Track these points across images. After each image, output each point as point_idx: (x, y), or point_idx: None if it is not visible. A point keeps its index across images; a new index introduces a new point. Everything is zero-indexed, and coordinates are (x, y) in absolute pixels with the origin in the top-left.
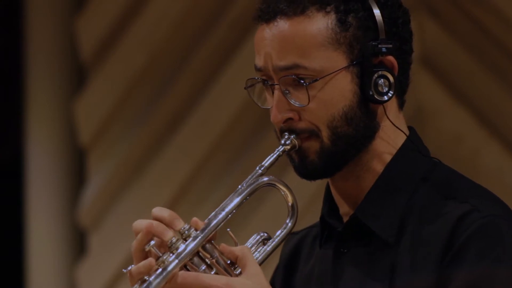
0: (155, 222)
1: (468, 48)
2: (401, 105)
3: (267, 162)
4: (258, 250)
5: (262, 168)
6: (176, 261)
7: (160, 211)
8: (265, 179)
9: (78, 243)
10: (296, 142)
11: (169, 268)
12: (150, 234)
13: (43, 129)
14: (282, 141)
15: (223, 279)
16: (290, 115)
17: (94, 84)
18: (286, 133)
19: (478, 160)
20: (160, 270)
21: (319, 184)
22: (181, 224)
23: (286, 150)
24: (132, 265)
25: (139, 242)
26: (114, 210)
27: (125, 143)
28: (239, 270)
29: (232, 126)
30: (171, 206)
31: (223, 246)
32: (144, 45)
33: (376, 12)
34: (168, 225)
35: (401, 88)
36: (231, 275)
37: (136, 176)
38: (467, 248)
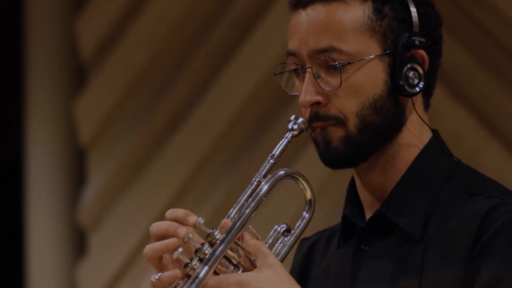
0: (169, 223)
1: (468, 48)
2: (426, 107)
3: (277, 150)
4: (280, 241)
5: (273, 158)
6: (207, 267)
7: (173, 212)
8: (283, 172)
9: (78, 243)
10: (303, 126)
11: (201, 275)
12: (177, 247)
13: (43, 129)
14: (289, 126)
15: (232, 278)
16: (319, 98)
17: (94, 84)
18: (292, 118)
19: (478, 160)
20: (192, 278)
21: (322, 179)
22: (194, 219)
23: (294, 135)
24: (160, 274)
25: (159, 251)
26: (114, 210)
27: (125, 143)
28: None
29: (232, 126)
30: (171, 206)
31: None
32: (144, 45)
33: (412, 8)
34: (182, 223)
35: (428, 89)
36: None
37: (136, 176)
38: (496, 240)
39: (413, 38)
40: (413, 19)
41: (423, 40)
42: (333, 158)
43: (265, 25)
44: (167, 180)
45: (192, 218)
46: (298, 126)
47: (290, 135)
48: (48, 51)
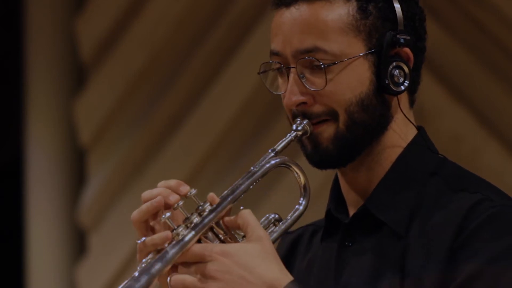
0: (161, 189)
1: (468, 48)
2: (411, 103)
3: (279, 146)
4: (269, 230)
5: (274, 151)
6: (193, 232)
7: (166, 182)
8: (278, 159)
9: (78, 243)
10: (308, 128)
11: (186, 239)
12: (160, 206)
13: (43, 129)
14: (294, 127)
15: (217, 247)
16: (305, 98)
17: (94, 84)
18: (298, 119)
19: (478, 160)
20: (176, 241)
21: (328, 173)
22: (186, 189)
23: (298, 135)
24: (144, 238)
25: (144, 212)
26: (114, 210)
27: (125, 143)
28: None
29: (232, 126)
30: None
31: (226, 219)
32: (144, 45)
33: (396, 5)
34: (175, 191)
35: (412, 85)
36: None
37: (136, 176)
38: (478, 236)
39: (398, 36)
40: (397, 16)
41: (408, 38)
42: (322, 160)
43: (265, 25)
44: (167, 180)
45: (185, 188)
46: (303, 127)
47: (294, 134)
48: (48, 51)
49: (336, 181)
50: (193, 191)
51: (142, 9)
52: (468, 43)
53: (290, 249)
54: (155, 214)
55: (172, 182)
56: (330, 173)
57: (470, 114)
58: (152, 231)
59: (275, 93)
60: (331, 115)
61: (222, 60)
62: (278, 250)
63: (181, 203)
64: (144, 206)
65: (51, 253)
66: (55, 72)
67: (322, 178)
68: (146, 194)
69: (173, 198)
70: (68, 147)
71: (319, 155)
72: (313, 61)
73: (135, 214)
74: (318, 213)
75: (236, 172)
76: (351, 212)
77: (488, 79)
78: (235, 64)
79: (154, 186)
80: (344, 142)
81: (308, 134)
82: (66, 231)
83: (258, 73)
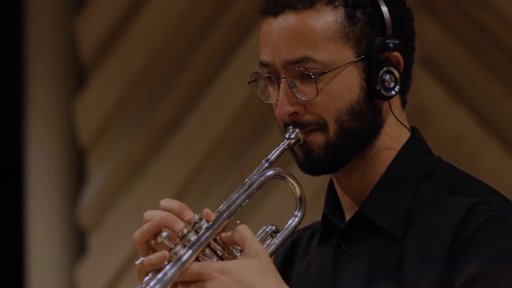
0: (165, 213)
1: (468, 48)
2: (403, 104)
3: (272, 156)
4: (267, 243)
5: (268, 162)
6: (190, 251)
7: (168, 202)
8: (273, 171)
9: (78, 243)
10: (301, 136)
11: (184, 258)
12: (160, 226)
13: (43, 129)
14: (287, 135)
15: (215, 264)
16: (296, 108)
17: (94, 84)
18: (291, 127)
19: (478, 160)
20: (174, 260)
21: (323, 179)
22: (190, 215)
23: (291, 144)
24: (142, 258)
25: (145, 233)
26: (114, 210)
27: (125, 143)
28: None
29: (232, 126)
30: None
31: (223, 235)
32: (144, 45)
33: (384, 8)
34: (178, 216)
35: (403, 87)
36: None
37: (136, 176)
38: (476, 239)
39: (387, 41)
40: (385, 20)
41: (397, 42)
42: (314, 167)
43: None
44: (166, 180)
45: (188, 213)
46: (296, 136)
47: (287, 142)
48: (48, 51)
49: (331, 185)
50: (196, 217)
51: (142, 9)
52: (468, 43)
53: (289, 252)
54: (156, 233)
55: (175, 205)
56: (324, 182)
57: (470, 114)
58: (153, 251)
59: (266, 102)
60: (320, 125)
61: (222, 60)
62: (277, 252)
63: (185, 230)
64: (145, 227)
65: (51, 253)
66: (55, 72)
67: (317, 185)
68: (148, 214)
69: (179, 226)
70: (68, 147)
71: (310, 163)
72: (303, 71)
73: (137, 234)
74: (313, 220)
75: (236, 172)
76: (347, 216)
77: (488, 79)
78: (235, 64)
79: (154, 186)
80: (335, 150)
81: (301, 142)
82: (66, 231)
83: (249, 83)
